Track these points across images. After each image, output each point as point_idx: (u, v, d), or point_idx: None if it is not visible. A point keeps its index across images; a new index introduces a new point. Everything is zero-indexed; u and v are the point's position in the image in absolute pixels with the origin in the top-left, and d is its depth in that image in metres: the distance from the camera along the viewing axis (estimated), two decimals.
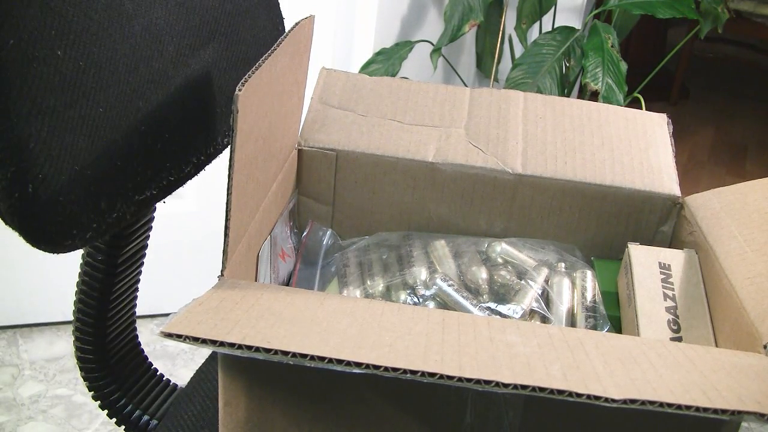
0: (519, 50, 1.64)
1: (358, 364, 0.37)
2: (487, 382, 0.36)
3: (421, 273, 0.63)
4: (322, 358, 0.37)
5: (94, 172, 0.46)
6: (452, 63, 1.79)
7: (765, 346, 0.47)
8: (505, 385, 0.36)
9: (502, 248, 0.66)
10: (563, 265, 0.65)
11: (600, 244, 0.68)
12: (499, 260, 0.66)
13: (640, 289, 0.58)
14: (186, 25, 0.55)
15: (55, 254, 0.46)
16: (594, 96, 1.36)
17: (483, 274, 0.63)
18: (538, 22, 1.63)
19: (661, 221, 0.67)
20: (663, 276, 0.59)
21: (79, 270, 0.59)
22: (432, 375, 0.36)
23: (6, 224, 0.44)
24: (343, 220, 0.71)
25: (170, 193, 0.56)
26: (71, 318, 0.61)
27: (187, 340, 0.37)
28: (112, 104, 0.47)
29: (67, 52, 0.44)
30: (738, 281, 0.53)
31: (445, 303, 0.60)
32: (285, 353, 0.37)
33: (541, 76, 1.42)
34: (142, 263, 0.63)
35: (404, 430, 0.43)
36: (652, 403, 0.36)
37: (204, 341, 0.38)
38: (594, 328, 0.60)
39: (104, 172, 0.48)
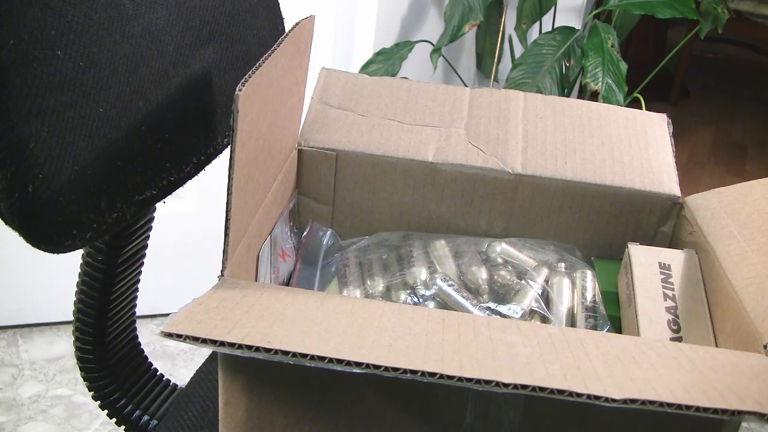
0: (519, 50, 1.64)
1: (358, 364, 0.37)
2: (487, 382, 0.36)
3: (421, 273, 0.63)
4: (322, 358, 0.37)
5: (94, 172, 0.46)
6: (452, 63, 1.79)
7: (765, 346, 0.47)
8: (505, 385, 0.36)
9: (502, 248, 0.66)
10: (563, 265, 0.65)
11: (600, 244, 0.68)
12: (499, 260, 0.66)
13: (640, 289, 0.58)
14: (186, 25, 0.55)
15: (55, 254, 0.46)
16: (594, 96, 1.36)
17: (483, 274, 0.63)
18: (538, 22, 1.63)
19: (661, 221, 0.67)
20: (663, 276, 0.59)
21: (79, 270, 0.59)
22: (432, 375, 0.36)
23: (6, 224, 0.44)
24: (343, 220, 0.71)
25: (170, 193, 0.56)
26: (71, 318, 0.61)
27: (188, 340, 0.38)
28: (112, 104, 0.47)
29: (67, 52, 0.44)
30: (738, 281, 0.53)
31: (445, 303, 0.60)
32: (285, 353, 0.37)
33: (541, 76, 1.42)
34: (142, 263, 0.63)
35: (404, 430, 0.43)
36: (652, 403, 0.36)
37: (204, 341, 0.38)
38: (594, 328, 0.60)
39: (104, 172, 0.48)
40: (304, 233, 0.69)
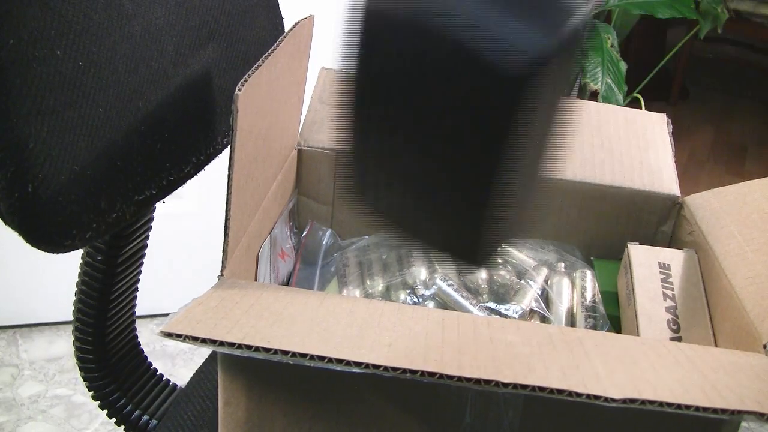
0: None
1: (358, 364, 0.37)
2: (487, 382, 0.36)
3: (421, 273, 0.63)
4: (322, 358, 0.37)
5: (94, 172, 0.46)
6: None
7: (765, 346, 0.47)
8: (505, 385, 0.36)
9: (501, 248, 0.66)
10: (563, 265, 0.65)
11: (600, 244, 0.68)
12: (499, 260, 0.66)
13: (640, 289, 0.58)
14: (186, 25, 0.55)
15: (55, 254, 0.46)
16: (594, 96, 1.36)
17: (483, 274, 0.63)
18: None
19: (661, 221, 0.67)
20: (663, 276, 0.59)
21: (79, 270, 0.59)
22: (432, 375, 0.36)
23: (6, 224, 0.44)
24: (343, 220, 0.71)
25: (170, 193, 0.56)
26: (71, 318, 0.61)
27: (187, 340, 0.38)
28: (111, 104, 0.47)
29: (67, 52, 0.44)
30: (738, 281, 0.53)
31: (444, 303, 0.60)
32: (285, 353, 0.37)
33: None
34: (142, 263, 0.63)
35: (404, 430, 0.43)
36: (651, 402, 0.36)
37: (204, 341, 0.38)
38: (594, 328, 0.60)
39: (104, 172, 0.48)
40: (304, 233, 0.69)
